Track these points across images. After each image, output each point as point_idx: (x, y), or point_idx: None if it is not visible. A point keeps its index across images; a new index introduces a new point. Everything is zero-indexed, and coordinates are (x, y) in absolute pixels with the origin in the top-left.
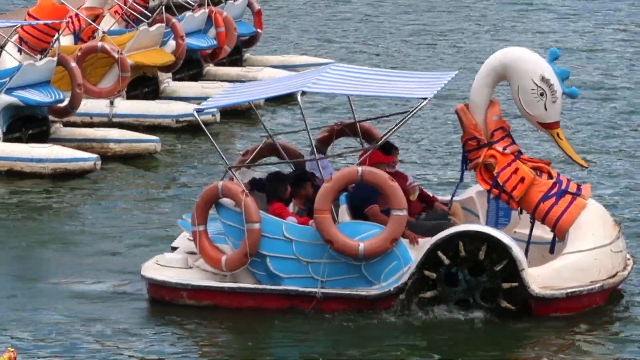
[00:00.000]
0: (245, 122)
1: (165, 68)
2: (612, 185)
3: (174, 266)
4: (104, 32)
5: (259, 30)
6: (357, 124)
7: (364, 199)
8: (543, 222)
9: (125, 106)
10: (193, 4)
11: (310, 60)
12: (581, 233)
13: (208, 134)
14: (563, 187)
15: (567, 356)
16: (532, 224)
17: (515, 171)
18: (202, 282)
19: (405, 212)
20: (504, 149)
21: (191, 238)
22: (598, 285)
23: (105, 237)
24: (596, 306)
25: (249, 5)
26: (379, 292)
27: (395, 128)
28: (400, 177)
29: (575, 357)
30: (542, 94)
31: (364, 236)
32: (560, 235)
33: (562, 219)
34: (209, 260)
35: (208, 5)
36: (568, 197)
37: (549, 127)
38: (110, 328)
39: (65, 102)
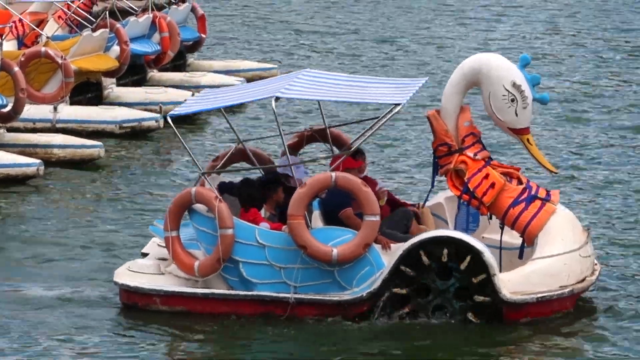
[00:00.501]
0: (190, 128)
1: (109, 73)
2: (579, 190)
3: (146, 272)
4: (47, 38)
5: (203, 35)
6: (327, 129)
7: (337, 204)
8: (513, 227)
9: (69, 112)
10: (137, 9)
11: (253, 65)
12: (550, 238)
13: (181, 138)
14: (533, 192)
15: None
16: (502, 229)
17: (486, 177)
18: (175, 288)
19: (378, 218)
20: (475, 154)
21: (161, 244)
22: (567, 290)
23: (49, 243)
24: (565, 311)
25: (193, 10)
26: (352, 297)
27: (370, 134)
28: (369, 182)
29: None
30: (513, 100)
31: (337, 241)
32: (529, 241)
33: (531, 225)
34: (181, 266)
35: (152, 10)
36: (537, 203)
37: (520, 132)
38: (82, 335)
39: (9, 108)
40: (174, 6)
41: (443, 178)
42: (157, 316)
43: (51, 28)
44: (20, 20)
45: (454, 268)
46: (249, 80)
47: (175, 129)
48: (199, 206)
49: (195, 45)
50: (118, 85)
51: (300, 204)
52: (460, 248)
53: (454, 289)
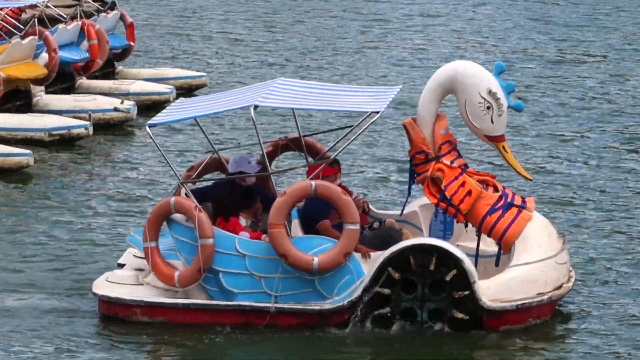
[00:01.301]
0: (117, 135)
1: (37, 81)
2: (553, 197)
3: (125, 283)
4: None
5: (132, 43)
6: (302, 138)
7: (315, 214)
8: (489, 235)
9: None
10: (65, 17)
11: (183, 73)
12: (528, 245)
13: (158, 146)
14: (509, 200)
15: None
16: (479, 237)
17: (463, 184)
18: (155, 299)
19: (358, 226)
20: (452, 162)
21: (137, 255)
22: (546, 297)
23: None
24: (544, 318)
25: (122, 18)
26: (333, 306)
27: (349, 141)
28: (346, 191)
29: None
30: (488, 108)
31: (318, 250)
32: (506, 248)
33: (508, 232)
34: (161, 276)
35: (80, 18)
36: (514, 210)
37: (495, 140)
38: (60, 346)
39: None
40: (103, 14)
41: (419, 186)
42: (137, 327)
43: None
44: None
45: (431, 276)
46: (178, 88)
47: (152, 137)
48: (177, 216)
49: (124, 53)
50: (47, 92)
51: (281, 212)
52: (440, 256)
53: (431, 298)
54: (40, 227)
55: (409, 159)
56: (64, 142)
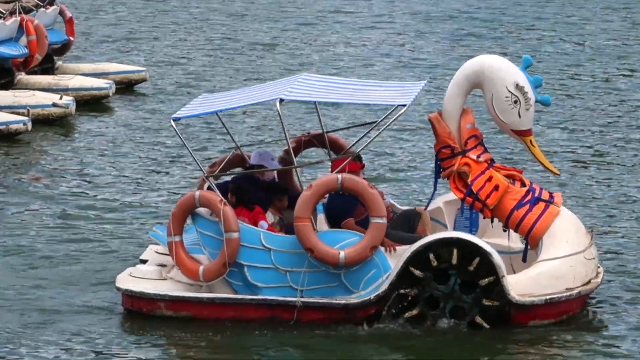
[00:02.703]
0: (57, 131)
1: None
2: (582, 193)
3: (149, 278)
4: None
5: (71, 38)
6: (325, 134)
7: (340, 210)
8: (516, 230)
9: None
10: (4, 12)
11: (122, 68)
12: (555, 240)
13: (184, 142)
14: (536, 194)
15: None
16: (507, 232)
17: (489, 179)
18: (180, 293)
19: (384, 220)
20: (478, 157)
21: (158, 250)
22: (575, 292)
23: None
24: (572, 313)
25: (61, 13)
26: (359, 300)
27: (375, 135)
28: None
29: None
30: (516, 102)
31: (344, 244)
32: (533, 243)
33: (536, 227)
34: (185, 271)
35: (19, 13)
36: (541, 205)
37: (522, 134)
38: (84, 341)
39: None
40: (42, 9)
41: (444, 181)
42: (161, 321)
43: None
44: None
45: (461, 270)
46: (118, 83)
47: (176, 131)
48: (202, 210)
49: (63, 48)
50: None
51: (307, 206)
52: (469, 250)
53: (461, 292)
54: None
55: (434, 153)
56: (3, 137)
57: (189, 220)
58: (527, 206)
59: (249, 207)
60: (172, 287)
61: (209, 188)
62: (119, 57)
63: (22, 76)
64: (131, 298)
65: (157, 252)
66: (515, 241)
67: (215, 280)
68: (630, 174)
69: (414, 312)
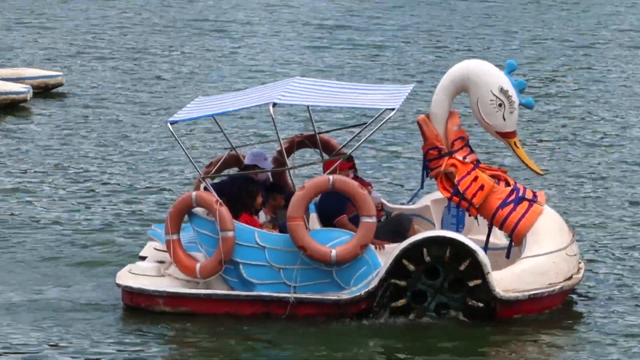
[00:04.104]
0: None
1: None
2: (563, 191)
3: (147, 274)
4: None
5: None
6: (317, 135)
7: (332, 209)
8: (501, 227)
9: None
10: None
11: (39, 72)
12: (539, 238)
13: (179, 142)
14: (520, 194)
15: (530, 356)
16: (490, 230)
17: (475, 179)
18: (178, 289)
19: (374, 219)
20: (464, 157)
21: (158, 247)
22: (557, 287)
23: None
24: (555, 308)
25: None
26: (350, 296)
27: (366, 137)
28: (362, 184)
29: (537, 356)
30: (500, 105)
31: (336, 242)
32: (517, 241)
33: (520, 225)
34: (183, 268)
35: None
36: (525, 204)
37: (507, 136)
38: (84, 336)
39: None
40: None
41: (431, 181)
42: (160, 317)
43: None
44: None
45: (447, 268)
46: (35, 87)
47: (173, 133)
48: (198, 209)
49: None
50: None
51: (300, 206)
52: (455, 248)
53: (447, 288)
54: None
55: (422, 154)
56: None
57: (186, 219)
58: (512, 205)
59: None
60: (170, 283)
61: (205, 188)
62: (35, 62)
63: None
64: (130, 294)
65: (156, 249)
66: (499, 238)
67: (211, 277)
68: (611, 170)
69: (401, 302)
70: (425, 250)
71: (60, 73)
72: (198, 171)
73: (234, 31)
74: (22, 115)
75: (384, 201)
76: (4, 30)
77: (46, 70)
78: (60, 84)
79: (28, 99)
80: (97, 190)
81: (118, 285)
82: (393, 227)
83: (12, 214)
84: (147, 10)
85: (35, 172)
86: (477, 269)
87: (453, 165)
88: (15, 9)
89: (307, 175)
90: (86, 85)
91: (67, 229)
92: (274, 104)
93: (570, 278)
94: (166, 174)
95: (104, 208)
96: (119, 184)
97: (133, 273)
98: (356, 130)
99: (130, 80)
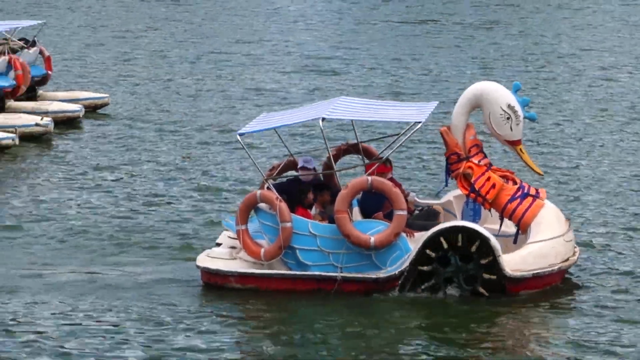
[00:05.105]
0: (38, 146)
1: None
2: (561, 188)
3: (221, 257)
4: None
5: (49, 72)
6: (360, 144)
7: (371, 205)
8: (510, 218)
9: None
10: None
11: (89, 95)
12: (541, 227)
13: (246, 150)
14: (525, 191)
15: (533, 322)
16: (502, 220)
17: (488, 179)
18: (247, 270)
19: (405, 212)
20: (479, 161)
21: (231, 236)
22: (556, 267)
23: None
24: (555, 284)
25: (41, 52)
26: (386, 275)
27: (397, 146)
28: (396, 184)
29: (540, 324)
30: (508, 118)
31: (374, 231)
32: (523, 229)
33: (525, 216)
34: (250, 253)
35: (8, 53)
36: (529, 199)
37: (514, 144)
38: (170, 308)
39: None
40: (26, 50)
41: (452, 180)
42: (231, 292)
43: None
44: None
45: (466, 251)
46: (86, 107)
47: (242, 144)
48: (263, 205)
49: (43, 80)
50: None
51: (344, 201)
52: (472, 235)
53: (466, 268)
54: None
55: (445, 158)
56: None
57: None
58: (518, 200)
59: (304, 206)
60: (240, 265)
61: (268, 188)
62: (87, 86)
63: (11, 102)
64: (208, 274)
65: (229, 237)
66: (509, 227)
67: (273, 260)
68: (602, 166)
69: (431, 283)
70: (443, 237)
71: (107, 95)
72: (262, 174)
73: (273, 52)
74: (77, 129)
75: (416, 198)
76: (62, 59)
77: (95, 92)
78: (107, 104)
79: (81, 116)
80: (169, 189)
81: (197, 266)
82: (426, 217)
83: (95, 210)
84: (186, 37)
85: (105, 173)
86: (489, 252)
87: (470, 167)
88: (70, 42)
89: (352, 174)
90: (130, 105)
91: (150, 221)
92: (323, 119)
93: (567, 260)
94: (229, 176)
95: (179, 204)
96: (189, 185)
97: (210, 257)
98: (391, 139)
99: (167, 100)
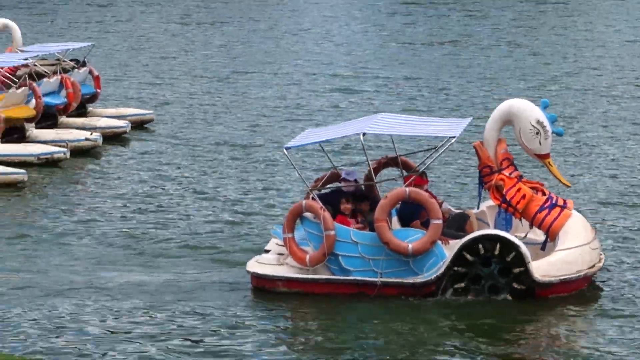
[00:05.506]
0: (88, 159)
1: (29, 120)
2: (588, 199)
3: (270, 263)
4: None
5: (98, 90)
6: (398, 157)
7: (409, 214)
8: (539, 227)
9: (0, 148)
10: (49, 72)
11: (135, 111)
12: (568, 235)
13: (292, 162)
14: (554, 201)
15: (561, 324)
16: (530, 229)
17: (519, 190)
18: (293, 275)
19: (441, 221)
20: (510, 174)
21: (279, 243)
22: (582, 273)
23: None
24: (581, 289)
25: (90, 72)
26: (423, 280)
27: (433, 159)
28: (431, 195)
29: (568, 326)
30: (537, 133)
31: (412, 239)
32: (551, 237)
33: (553, 225)
34: (296, 259)
35: (60, 73)
36: (558, 209)
37: (543, 157)
38: (223, 309)
39: None
40: (76, 70)
41: (485, 192)
42: (279, 295)
43: None
44: None
45: (498, 258)
46: (132, 123)
47: (288, 157)
48: (308, 214)
49: (92, 98)
50: (37, 128)
51: (384, 211)
52: (503, 243)
53: (498, 274)
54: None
55: (478, 171)
56: (49, 164)
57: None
58: (547, 210)
59: (345, 215)
60: (287, 270)
61: (313, 198)
62: (132, 103)
63: (63, 119)
64: (257, 278)
65: (277, 244)
66: (538, 235)
67: (318, 265)
68: (627, 177)
69: (462, 284)
70: (480, 245)
71: (151, 111)
72: (307, 185)
73: (321, 71)
74: (123, 143)
75: (451, 207)
76: (110, 79)
77: (140, 109)
78: (152, 120)
79: (127, 131)
80: (213, 200)
81: (248, 271)
82: (456, 221)
83: (142, 218)
84: (223, 59)
85: (151, 183)
86: (520, 259)
87: (501, 179)
88: (117, 62)
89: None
90: (172, 120)
91: (197, 229)
92: (364, 134)
93: (593, 266)
94: (271, 188)
95: (224, 214)
96: (232, 196)
97: (259, 262)
98: (427, 153)
99: (208, 116)
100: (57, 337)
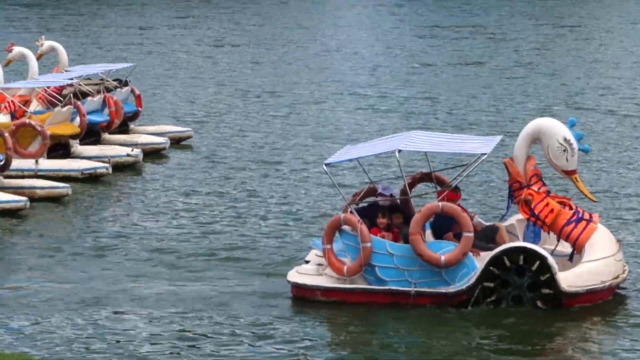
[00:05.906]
0: (129, 174)
1: (74, 136)
2: (612, 213)
3: (309, 273)
4: (31, 113)
5: (139, 109)
6: (432, 173)
7: (442, 227)
8: (566, 240)
9: (46, 164)
10: (92, 91)
11: (174, 128)
12: (594, 248)
13: (332, 178)
14: (580, 215)
15: (587, 332)
16: (558, 242)
17: (547, 205)
18: (332, 285)
19: (472, 234)
20: (539, 189)
21: (318, 254)
22: (607, 284)
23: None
24: (606, 299)
25: (132, 91)
26: (455, 290)
27: (465, 174)
28: (463, 209)
29: (595, 335)
30: (564, 150)
31: (444, 251)
32: (578, 250)
33: (580, 238)
34: (335, 269)
35: (103, 92)
36: (584, 223)
37: (570, 173)
38: (267, 316)
39: (2, 162)
40: (119, 89)
41: (514, 206)
42: (318, 304)
43: (34, 105)
44: (12, 101)
45: (527, 269)
46: (172, 139)
47: (327, 173)
48: (346, 227)
49: (134, 116)
50: (81, 144)
51: (418, 224)
52: (531, 255)
53: (527, 284)
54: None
55: (508, 186)
56: (92, 179)
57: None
58: (574, 224)
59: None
60: (326, 280)
61: (351, 212)
62: (172, 121)
63: (105, 135)
64: (297, 287)
65: (316, 255)
66: (565, 247)
67: (355, 276)
68: None
69: (493, 297)
70: (506, 257)
71: (190, 129)
72: (345, 199)
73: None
74: (163, 159)
75: (481, 220)
76: (150, 98)
77: (179, 126)
78: (190, 137)
79: (166, 147)
80: (253, 215)
81: (288, 281)
82: (487, 233)
83: (181, 230)
84: (260, 78)
85: (189, 197)
86: (547, 270)
87: (530, 194)
88: (158, 82)
89: (424, 202)
90: (210, 137)
91: (236, 242)
92: (399, 151)
93: (617, 277)
94: (309, 202)
95: (264, 227)
96: (271, 210)
97: (299, 272)
98: (460, 169)
99: (245, 133)
100: (92, 345)
